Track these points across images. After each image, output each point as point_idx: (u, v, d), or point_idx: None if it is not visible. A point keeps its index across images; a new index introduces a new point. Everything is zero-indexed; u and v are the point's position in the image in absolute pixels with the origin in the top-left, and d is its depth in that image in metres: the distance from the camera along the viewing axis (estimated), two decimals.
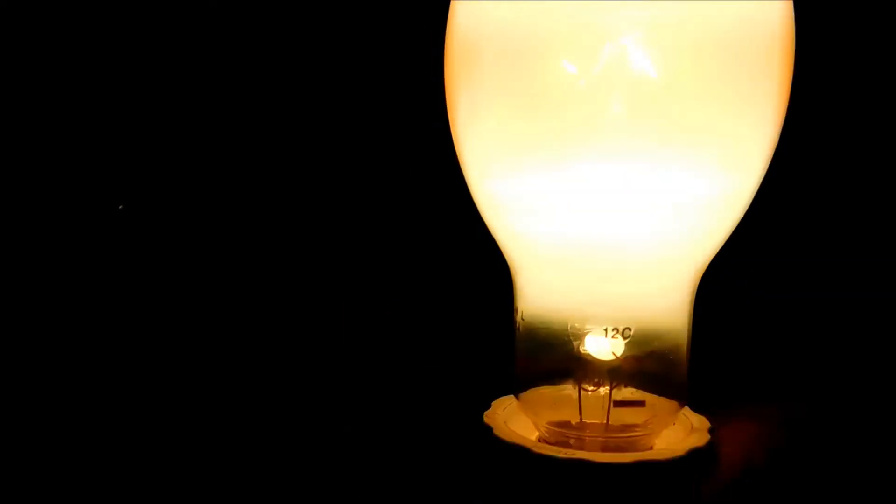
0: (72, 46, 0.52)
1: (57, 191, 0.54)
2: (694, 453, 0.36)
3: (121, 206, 0.53)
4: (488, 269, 0.41)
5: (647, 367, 0.37)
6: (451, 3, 0.37)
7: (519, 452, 0.36)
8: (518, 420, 0.39)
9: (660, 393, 0.37)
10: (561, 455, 0.35)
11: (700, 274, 0.38)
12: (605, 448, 0.37)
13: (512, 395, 0.40)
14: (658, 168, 0.33)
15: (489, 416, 0.39)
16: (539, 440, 0.38)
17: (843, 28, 0.50)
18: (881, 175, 0.53)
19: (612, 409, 0.37)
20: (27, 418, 0.50)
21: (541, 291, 0.37)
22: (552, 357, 0.37)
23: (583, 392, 0.37)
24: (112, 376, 0.52)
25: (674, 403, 0.38)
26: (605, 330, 0.36)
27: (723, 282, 0.41)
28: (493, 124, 0.35)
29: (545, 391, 0.38)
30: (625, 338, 0.36)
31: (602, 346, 0.36)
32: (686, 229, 0.35)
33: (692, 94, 0.33)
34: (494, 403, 0.41)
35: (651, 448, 0.38)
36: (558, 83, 0.33)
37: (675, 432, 0.39)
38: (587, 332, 0.37)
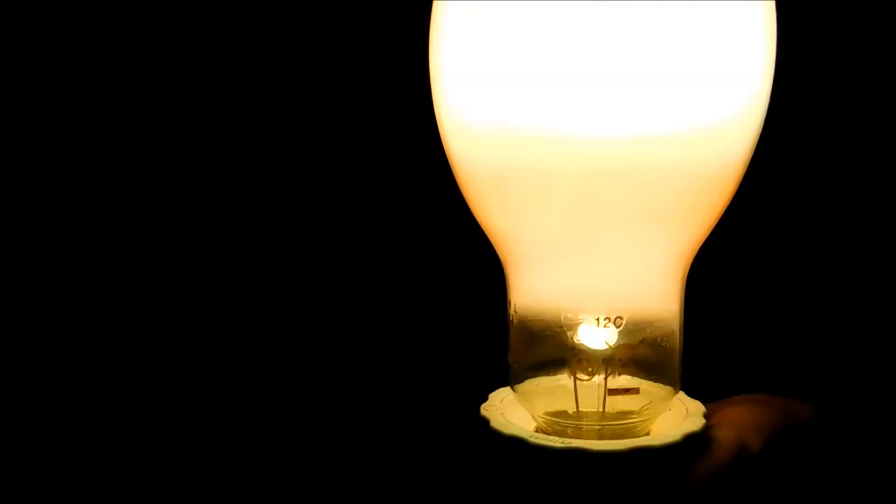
0: (74, 47, 0.52)
1: (59, 192, 0.54)
2: (689, 438, 0.37)
3: (126, 209, 0.53)
4: (483, 261, 0.41)
5: (641, 354, 0.37)
6: (434, 2, 0.37)
7: (515, 443, 0.36)
8: (516, 412, 0.40)
9: (654, 380, 0.38)
10: (557, 444, 0.36)
11: (690, 259, 0.38)
12: (602, 436, 0.37)
13: (509, 387, 0.40)
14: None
15: (486, 409, 0.39)
16: (537, 431, 0.39)
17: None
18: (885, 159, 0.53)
19: (608, 397, 0.37)
20: (28, 418, 0.50)
21: (532, 284, 0.38)
22: (546, 348, 0.38)
23: (578, 381, 0.37)
24: (115, 377, 0.53)
25: (669, 389, 0.38)
26: (598, 319, 0.36)
27: (714, 266, 0.41)
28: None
29: (541, 382, 0.39)
30: (617, 326, 0.37)
31: (595, 336, 0.37)
32: (672, 216, 0.35)
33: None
34: (491, 396, 0.41)
35: (647, 434, 0.38)
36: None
37: (671, 417, 0.39)
38: (580, 323, 0.37)
